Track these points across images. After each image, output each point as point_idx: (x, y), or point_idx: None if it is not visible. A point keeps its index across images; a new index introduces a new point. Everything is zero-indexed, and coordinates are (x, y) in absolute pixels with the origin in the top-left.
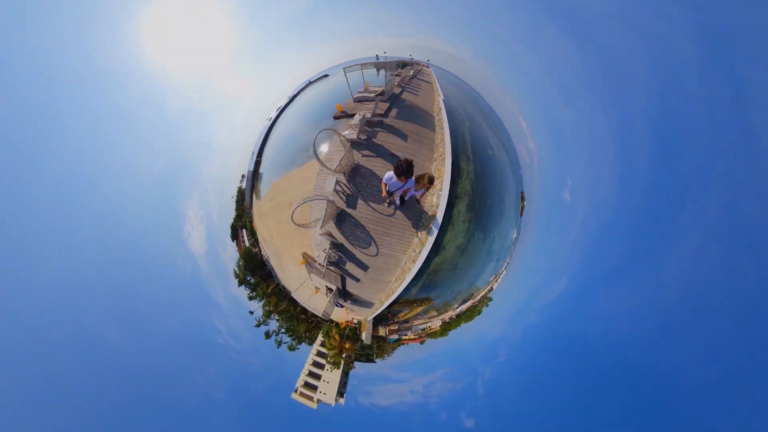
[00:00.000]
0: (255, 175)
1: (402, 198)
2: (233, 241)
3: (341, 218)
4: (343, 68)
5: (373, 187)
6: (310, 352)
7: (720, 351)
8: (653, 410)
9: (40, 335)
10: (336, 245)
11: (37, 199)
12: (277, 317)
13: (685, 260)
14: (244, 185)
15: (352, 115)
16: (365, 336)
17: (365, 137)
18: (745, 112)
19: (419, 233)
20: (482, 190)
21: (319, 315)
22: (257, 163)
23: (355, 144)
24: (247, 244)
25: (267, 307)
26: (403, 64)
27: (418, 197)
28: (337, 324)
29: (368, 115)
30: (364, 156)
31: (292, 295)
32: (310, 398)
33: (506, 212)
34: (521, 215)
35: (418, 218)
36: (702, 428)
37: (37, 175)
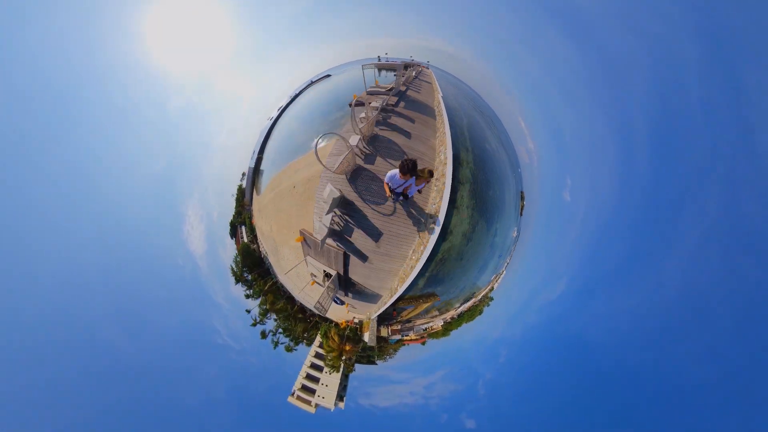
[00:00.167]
0: (256, 171)
1: (404, 194)
2: (232, 239)
3: (355, 174)
4: (362, 65)
5: (394, 151)
6: (308, 354)
7: (720, 351)
8: (653, 410)
9: (40, 334)
10: (345, 205)
11: (38, 198)
12: (274, 317)
13: (685, 260)
14: (244, 183)
15: (365, 104)
16: (368, 337)
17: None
18: (745, 113)
19: (427, 216)
20: (482, 179)
21: (310, 308)
22: (258, 160)
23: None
24: (245, 240)
25: (264, 306)
26: (406, 66)
27: (418, 191)
28: (337, 324)
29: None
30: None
31: (285, 275)
32: (308, 402)
33: (507, 208)
34: (521, 214)
35: (425, 203)
36: (702, 428)
37: (38, 174)
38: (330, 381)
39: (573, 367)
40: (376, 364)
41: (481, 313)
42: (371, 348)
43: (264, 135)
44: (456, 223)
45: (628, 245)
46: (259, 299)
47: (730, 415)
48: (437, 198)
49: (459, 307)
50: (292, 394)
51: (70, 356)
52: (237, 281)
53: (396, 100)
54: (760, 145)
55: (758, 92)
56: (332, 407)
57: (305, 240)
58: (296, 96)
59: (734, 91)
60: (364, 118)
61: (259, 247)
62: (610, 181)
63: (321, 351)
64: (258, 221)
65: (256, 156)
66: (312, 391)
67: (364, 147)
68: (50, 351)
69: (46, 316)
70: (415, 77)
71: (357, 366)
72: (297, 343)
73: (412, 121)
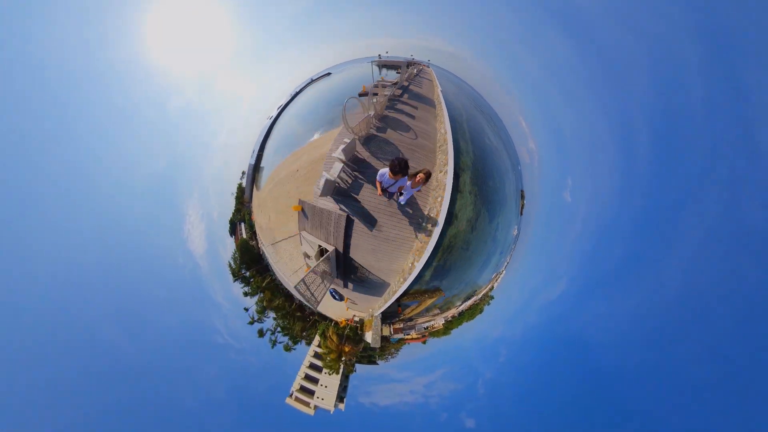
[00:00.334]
0: (256, 168)
1: (398, 195)
2: (232, 236)
3: (369, 138)
4: (371, 62)
5: (402, 125)
6: (307, 353)
7: (720, 352)
8: (653, 410)
9: (40, 334)
10: (355, 164)
11: (38, 198)
12: (273, 315)
13: (685, 261)
14: (244, 182)
15: (374, 94)
16: (372, 337)
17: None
18: (746, 113)
19: (432, 201)
20: (482, 170)
21: (294, 293)
22: (259, 157)
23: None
24: (244, 236)
25: (261, 303)
26: (408, 64)
27: (413, 194)
28: (336, 323)
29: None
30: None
31: (275, 243)
32: (306, 404)
33: (507, 202)
34: (521, 214)
35: (429, 189)
36: (702, 428)
37: (39, 174)
38: (329, 382)
39: (573, 367)
40: (378, 364)
41: (481, 311)
42: (373, 348)
43: (264, 133)
44: (460, 207)
45: (629, 245)
46: (256, 297)
47: (730, 415)
48: (443, 172)
49: (460, 305)
50: (290, 396)
51: (70, 356)
52: (235, 278)
53: (401, 93)
54: (761, 145)
55: (759, 92)
56: (332, 409)
57: (303, 211)
58: (296, 94)
59: (735, 91)
60: (377, 98)
61: (258, 243)
62: (611, 181)
63: (320, 350)
64: (257, 217)
65: (256, 153)
66: (311, 393)
67: (376, 123)
68: (50, 351)
69: (47, 315)
70: (417, 75)
71: (357, 366)
72: (296, 342)
73: (416, 107)
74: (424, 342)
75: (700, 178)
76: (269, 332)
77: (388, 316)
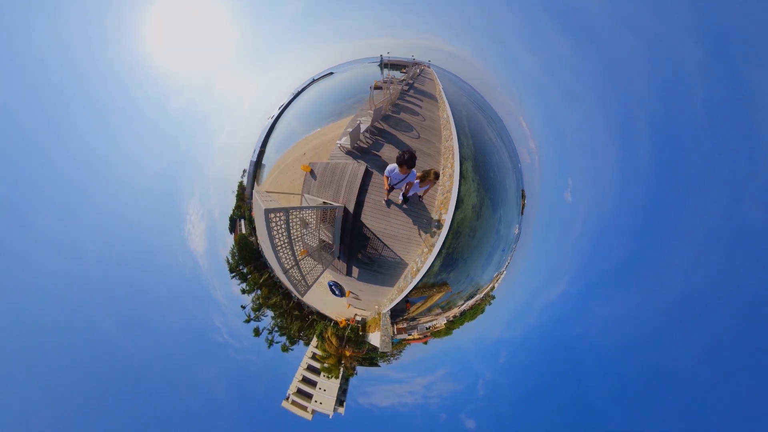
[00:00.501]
0: (257, 165)
1: (405, 195)
2: (231, 234)
3: (386, 117)
4: (378, 62)
5: (412, 112)
6: (305, 354)
7: (721, 353)
8: (654, 412)
9: (40, 333)
10: (375, 131)
11: (39, 198)
12: (271, 314)
13: (686, 261)
14: (245, 180)
15: (391, 83)
16: (380, 339)
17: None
18: (747, 113)
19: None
20: (483, 161)
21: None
22: (260, 154)
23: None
24: (243, 232)
25: (257, 300)
26: (413, 63)
27: (420, 194)
28: (336, 323)
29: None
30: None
31: (266, 191)
32: (304, 408)
33: (509, 196)
34: (522, 213)
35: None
36: (702, 429)
37: (40, 174)
38: (328, 385)
39: (573, 368)
40: (379, 365)
41: (483, 311)
42: (374, 349)
43: (266, 132)
44: (465, 192)
45: (630, 246)
46: (253, 294)
47: (731, 416)
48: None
49: (462, 304)
50: (287, 399)
51: (70, 355)
52: (232, 274)
53: (407, 89)
54: (762, 145)
55: (761, 92)
56: (331, 413)
57: (312, 172)
58: (298, 93)
59: (736, 91)
60: (392, 87)
61: (257, 239)
62: (612, 181)
63: (318, 353)
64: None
65: (257, 151)
66: (309, 396)
67: (391, 107)
68: (50, 350)
69: (47, 314)
70: (419, 74)
71: (358, 368)
72: (293, 343)
73: (421, 100)
74: (425, 342)
75: (701, 178)
76: (266, 331)
77: (394, 314)
